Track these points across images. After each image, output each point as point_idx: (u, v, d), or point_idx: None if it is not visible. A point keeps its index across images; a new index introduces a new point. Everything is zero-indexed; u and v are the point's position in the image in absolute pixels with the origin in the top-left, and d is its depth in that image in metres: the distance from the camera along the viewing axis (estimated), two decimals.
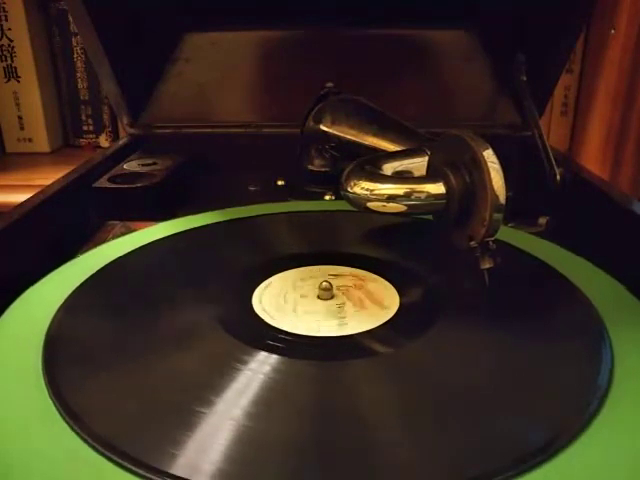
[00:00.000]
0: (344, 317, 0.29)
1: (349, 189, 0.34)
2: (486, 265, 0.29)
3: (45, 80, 0.77)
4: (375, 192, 0.32)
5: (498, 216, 0.29)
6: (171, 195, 0.48)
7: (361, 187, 0.33)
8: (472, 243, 0.30)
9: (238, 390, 0.23)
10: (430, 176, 0.34)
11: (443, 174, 0.32)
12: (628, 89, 0.68)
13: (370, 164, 0.35)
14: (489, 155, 0.29)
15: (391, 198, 0.32)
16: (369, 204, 0.33)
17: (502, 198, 0.29)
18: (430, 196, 0.32)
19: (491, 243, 0.29)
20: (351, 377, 0.25)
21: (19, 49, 0.74)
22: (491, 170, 0.29)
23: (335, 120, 0.46)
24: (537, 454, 0.20)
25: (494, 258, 0.29)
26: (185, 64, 0.60)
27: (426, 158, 0.35)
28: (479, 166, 0.29)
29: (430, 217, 0.35)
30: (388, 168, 0.35)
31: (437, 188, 0.32)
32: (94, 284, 0.32)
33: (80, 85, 0.78)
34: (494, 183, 0.28)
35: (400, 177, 0.35)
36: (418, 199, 0.32)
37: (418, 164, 0.35)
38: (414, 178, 0.35)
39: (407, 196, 0.32)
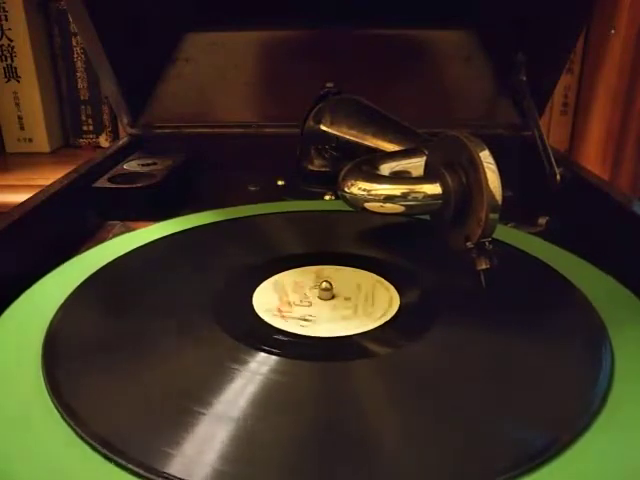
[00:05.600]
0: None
1: (346, 189, 0.33)
2: (482, 266, 0.29)
3: (45, 80, 0.77)
4: (372, 192, 0.32)
5: (494, 216, 0.29)
6: (171, 195, 0.48)
7: (358, 187, 0.33)
8: (468, 244, 0.30)
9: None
10: (427, 176, 0.34)
11: (440, 174, 0.32)
12: (628, 89, 0.68)
13: (367, 164, 0.35)
14: (485, 156, 0.29)
15: (388, 198, 0.32)
16: (366, 204, 0.33)
17: (498, 198, 0.29)
18: (427, 196, 0.32)
19: (487, 244, 0.29)
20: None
21: (19, 49, 0.74)
22: (487, 171, 0.29)
23: (335, 120, 0.46)
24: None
25: (491, 259, 0.29)
26: (185, 64, 0.60)
27: (424, 158, 0.35)
28: (475, 167, 0.29)
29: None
30: (385, 168, 0.35)
31: (434, 188, 0.32)
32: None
33: (80, 85, 0.78)
34: (490, 183, 0.28)
35: (397, 177, 0.35)
36: (415, 199, 0.32)
37: (415, 164, 0.35)
38: (411, 178, 0.35)
39: (404, 196, 0.32)
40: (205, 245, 0.38)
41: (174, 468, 0.19)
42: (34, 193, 0.41)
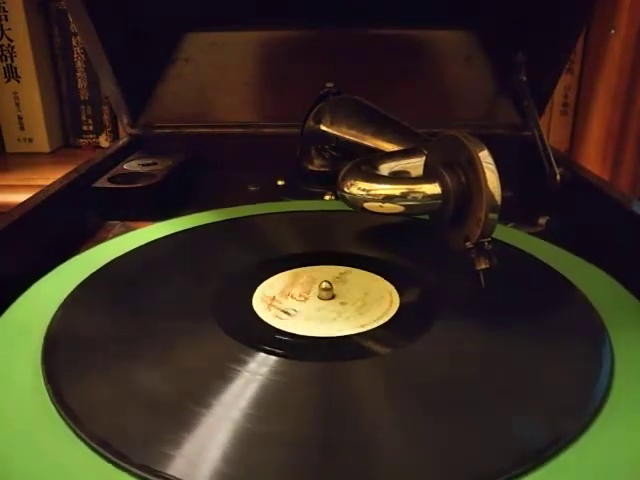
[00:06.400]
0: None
1: (346, 189, 0.33)
2: (482, 266, 0.29)
3: (45, 80, 0.77)
4: (371, 192, 0.32)
5: (494, 216, 0.29)
6: (171, 195, 0.48)
7: (358, 187, 0.33)
8: (468, 244, 0.30)
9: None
10: (426, 176, 0.34)
11: (439, 174, 0.32)
12: (628, 89, 0.68)
13: (367, 164, 0.35)
14: (485, 156, 0.29)
15: (387, 198, 0.32)
16: (366, 204, 0.33)
17: (497, 198, 0.29)
18: (426, 197, 0.32)
19: (487, 244, 0.29)
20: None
21: (19, 49, 0.74)
22: (486, 170, 0.29)
23: (335, 120, 0.46)
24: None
25: (490, 259, 0.29)
26: (185, 64, 0.60)
27: (423, 158, 0.35)
28: (475, 167, 0.29)
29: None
30: (385, 168, 0.35)
31: (433, 188, 0.32)
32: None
33: (80, 85, 0.78)
34: (489, 183, 0.28)
35: (396, 177, 0.35)
36: (414, 199, 0.32)
37: (415, 164, 0.35)
38: (410, 178, 0.35)
39: (403, 196, 0.32)
40: (205, 245, 0.38)
41: (174, 469, 0.19)
42: (34, 193, 0.41)
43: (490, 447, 0.21)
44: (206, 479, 0.19)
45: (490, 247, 0.29)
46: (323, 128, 0.47)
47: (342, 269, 0.34)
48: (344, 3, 0.56)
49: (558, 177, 0.44)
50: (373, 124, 0.43)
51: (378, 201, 0.32)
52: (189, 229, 0.40)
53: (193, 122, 0.59)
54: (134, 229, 0.41)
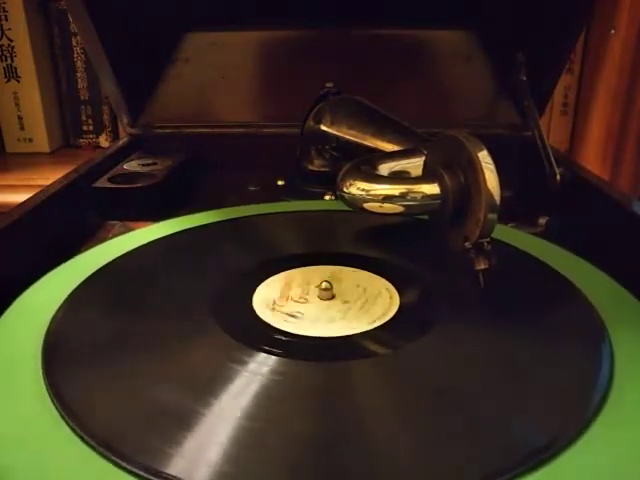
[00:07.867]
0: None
1: (345, 189, 0.34)
2: (481, 266, 0.29)
3: (45, 80, 0.77)
4: (371, 192, 0.32)
5: (493, 216, 0.29)
6: (171, 195, 0.48)
7: (357, 187, 0.33)
8: (467, 244, 0.30)
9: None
10: (426, 177, 0.34)
11: (438, 175, 0.32)
12: (628, 89, 0.68)
13: (366, 164, 0.35)
14: (484, 156, 0.29)
15: (387, 198, 0.32)
16: (365, 205, 0.33)
17: (497, 198, 0.29)
18: (425, 197, 0.32)
19: (486, 244, 0.29)
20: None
21: (19, 49, 0.74)
22: (486, 171, 0.29)
23: (335, 120, 0.46)
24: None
25: (489, 259, 0.29)
26: (185, 64, 0.60)
27: (422, 158, 0.35)
28: (474, 167, 0.29)
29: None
30: (384, 168, 0.35)
31: (432, 189, 0.32)
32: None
33: (80, 85, 0.78)
34: (489, 184, 0.29)
35: (396, 177, 0.35)
36: (414, 199, 0.32)
37: (414, 164, 0.35)
38: (410, 178, 0.35)
39: (403, 196, 0.32)
40: (205, 245, 0.38)
41: (174, 468, 0.19)
42: (34, 193, 0.41)
43: (490, 447, 0.21)
44: (206, 478, 0.19)
45: (489, 247, 0.29)
46: (323, 128, 0.47)
47: (342, 269, 0.34)
48: (344, 3, 0.56)
49: (558, 177, 0.44)
50: (373, 124, 0.43)
51: (377, 201, 0.32)
52: (189, 229, 0.40)
53: (193, 122, 0.59)
54: (134, 229, 0.41)
